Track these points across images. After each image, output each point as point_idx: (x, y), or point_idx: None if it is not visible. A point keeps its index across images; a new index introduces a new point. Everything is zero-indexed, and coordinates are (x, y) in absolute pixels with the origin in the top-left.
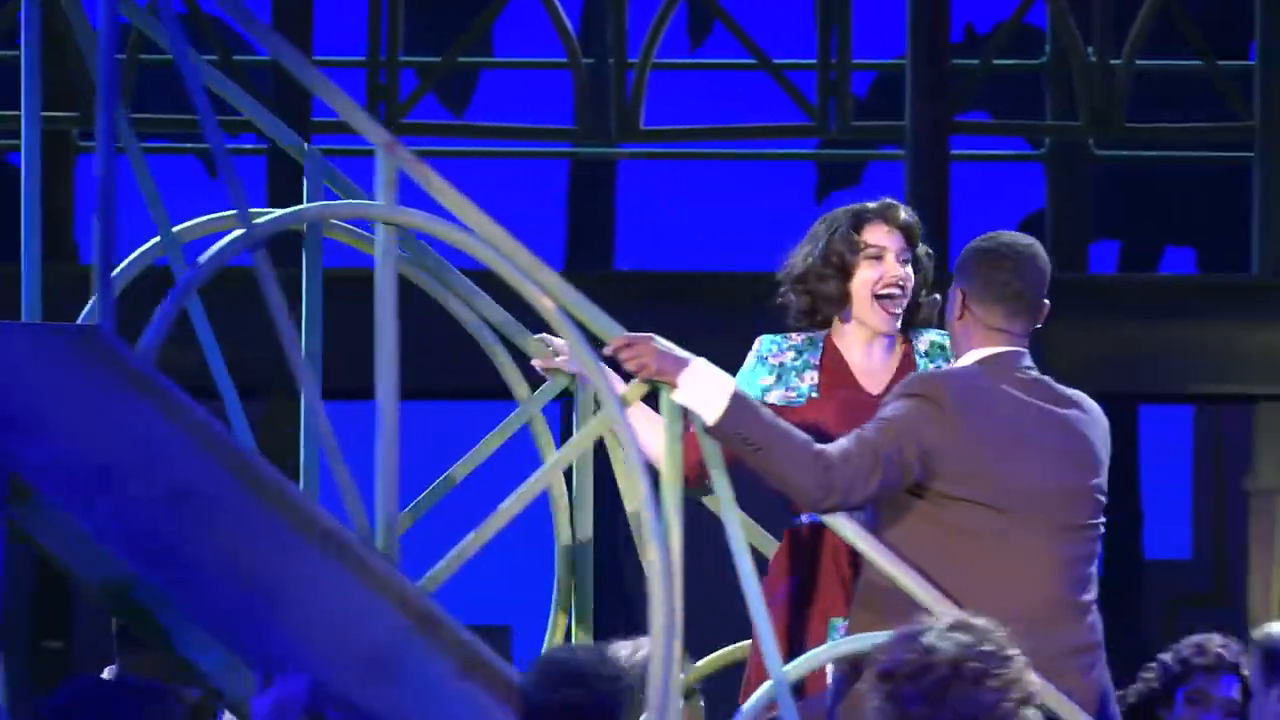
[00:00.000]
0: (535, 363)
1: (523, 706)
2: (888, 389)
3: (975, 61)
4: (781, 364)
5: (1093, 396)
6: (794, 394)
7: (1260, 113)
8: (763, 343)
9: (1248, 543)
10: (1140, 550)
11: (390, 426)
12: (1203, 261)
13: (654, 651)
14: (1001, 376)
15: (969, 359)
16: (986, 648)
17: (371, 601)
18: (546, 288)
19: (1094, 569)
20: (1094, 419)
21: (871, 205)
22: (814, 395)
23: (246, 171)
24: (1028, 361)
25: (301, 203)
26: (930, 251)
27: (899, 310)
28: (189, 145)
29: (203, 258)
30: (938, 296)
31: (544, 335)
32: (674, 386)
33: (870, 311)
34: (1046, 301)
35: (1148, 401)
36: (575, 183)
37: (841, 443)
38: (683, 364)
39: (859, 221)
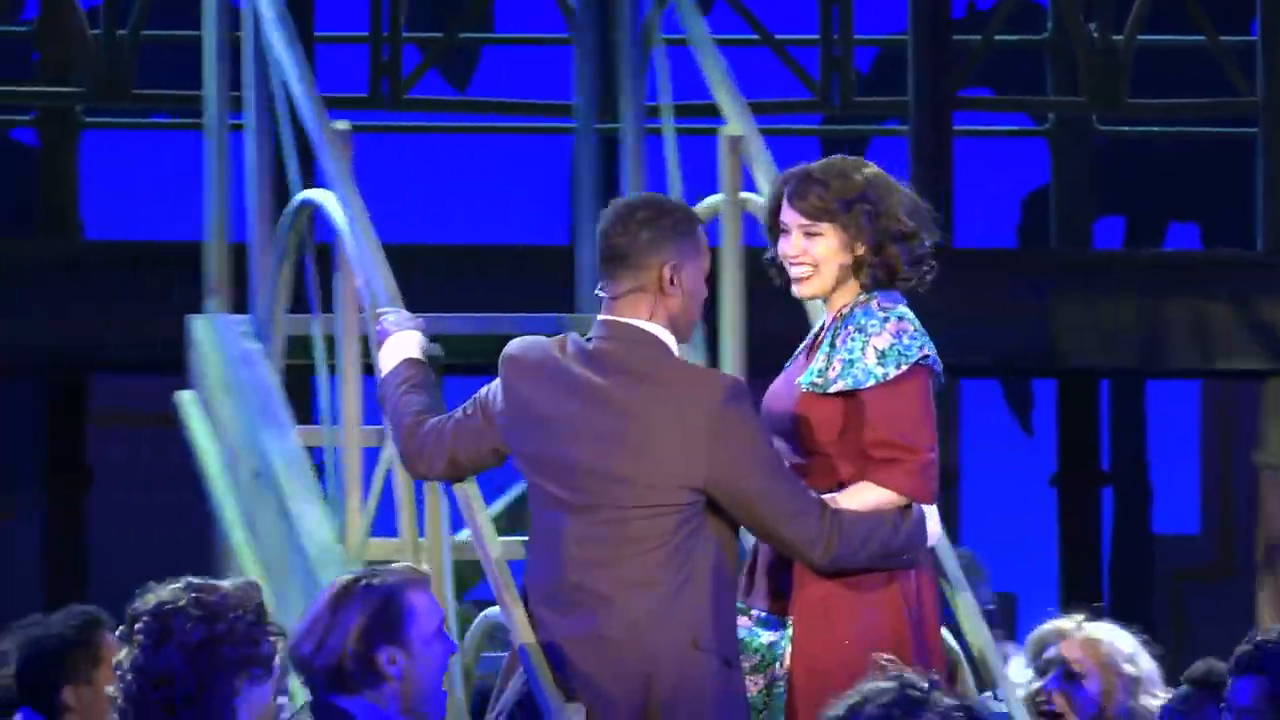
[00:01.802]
0: None
1: None
2: (798, 357)
3: (978, 37)
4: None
5: (1100, 372)
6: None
7: (1263, 88)
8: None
9: (1255, 517)
10: (1149, 524)
11: None
12: (1207, 236)
13: None
14: (570, 346)
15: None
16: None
17: None
18: None
19: (620, 555)
20: (670, 400)
21: (782, 180)
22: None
23: None
24: (600, 330)
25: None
26: (872, 209)
27: (803, 280)
28: (192, 120)
29: None
30: (918, 251)
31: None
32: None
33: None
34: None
35: (1155, 377)
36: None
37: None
38: (388, 332)
39: (777, 197)
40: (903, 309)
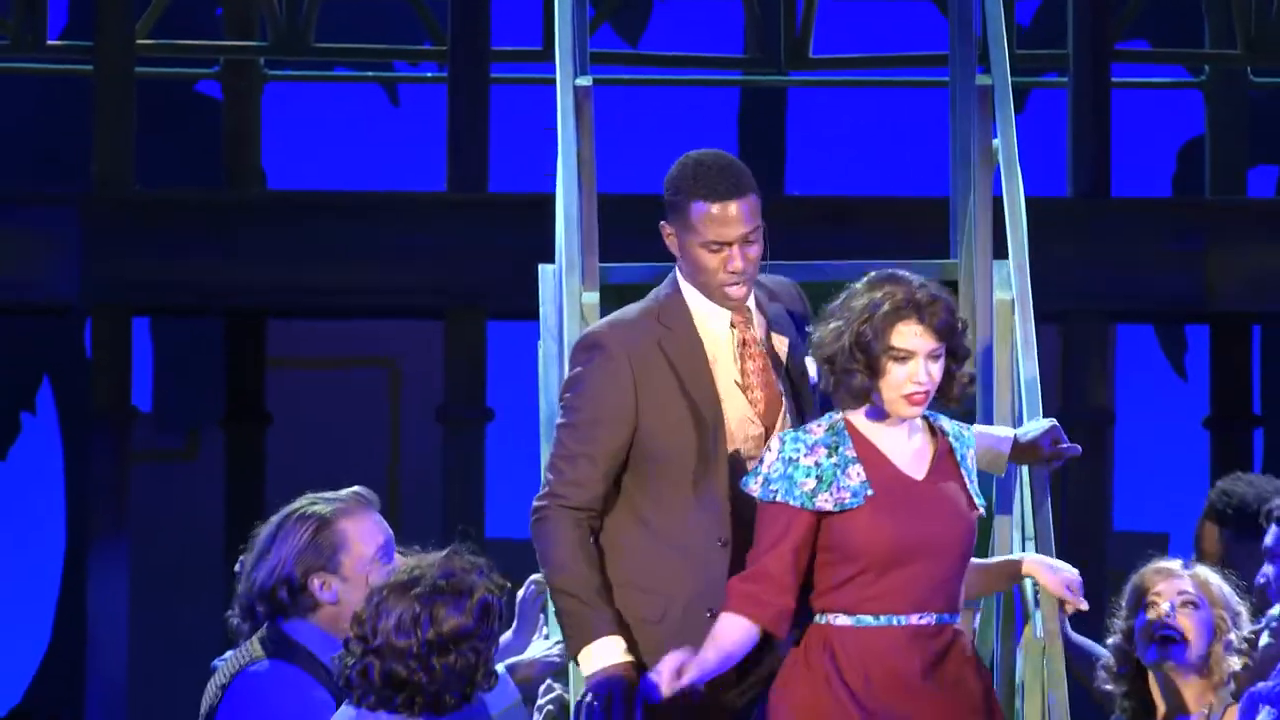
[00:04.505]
0: None
1: None
2: (932, 475)
3: None
4: (818, 463)
5: (1253, 317)
6: (847, 495)
7: None
8: (785, 444)
9: None
10: None
11: None
12: None
13: None
14: None
15: None
16: None
17: None
18: None
19: None
20: None
21: (904, 301)
22: (869, 494)
23: (428, 100)
24: None
25: (485, 131)
26: (965, 325)
27: (924, 403)
28: (371, 73)
29: None
30: (971, 370)
31: None
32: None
33: (895, 405)
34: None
35: None
36: (746, 110)
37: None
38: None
39: (891, 319)
40: None
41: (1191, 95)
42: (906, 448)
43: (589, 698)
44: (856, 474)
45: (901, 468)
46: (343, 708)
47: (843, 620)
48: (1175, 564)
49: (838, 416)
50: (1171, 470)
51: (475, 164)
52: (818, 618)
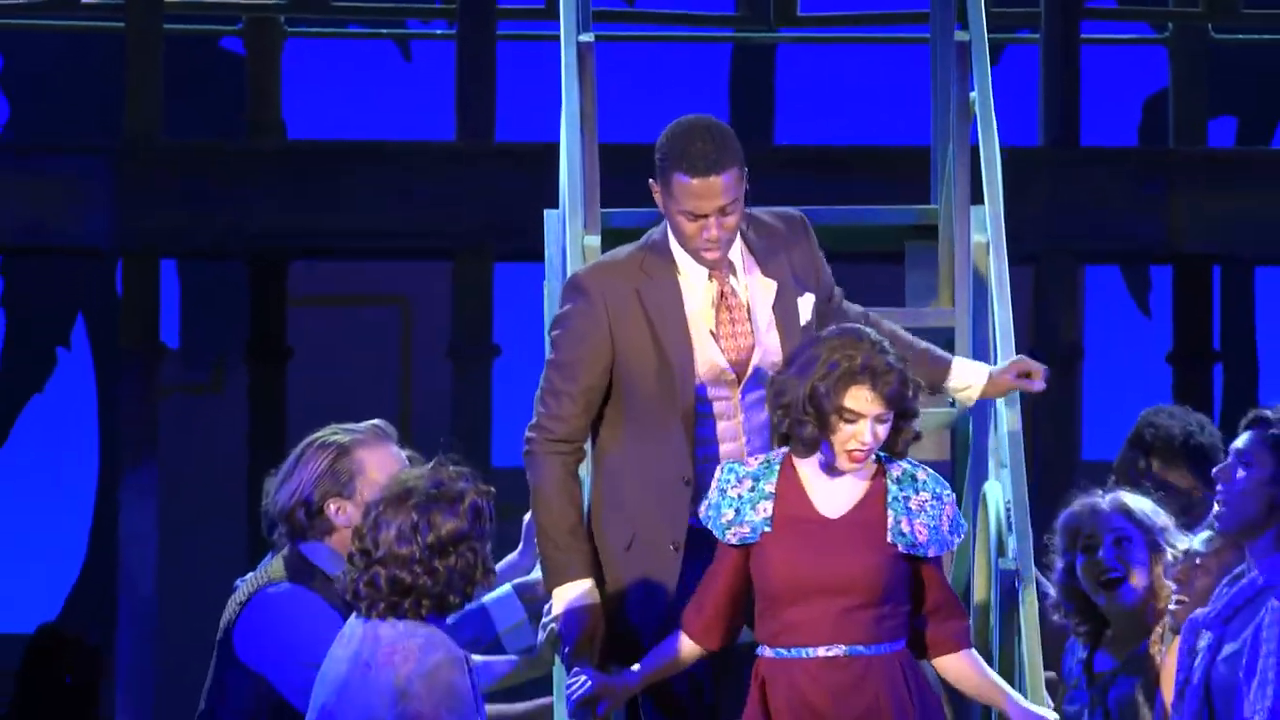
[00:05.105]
0: None
1: None
2: (849, 514)
3: None
4: (739, 496)
5: (1213, 259)
6: (748, 529)
7: None
8: (723, 473)
9: None
10: (1256, 398)
11: None
12: None
13: None
14: None
15: None
16: None
17: None
18: None
19: None
20: None
21: (860, 367)
22: (766, 530)
23: (438, 55)
24: None
25: (492, 84)
26: (917, 389)
27: (864, 460)
28: (385, 30)
29: None
30: (918, 427)
31: None
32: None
33: (839, 459)
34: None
35: (1263, 264)
36: (738, 65)
37: None
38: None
39: (845, 381)
40: None
41: (1156, 51)
42: (832, 486)
43: (556, 626)
44: (763, 509)
45: (816, 505)
46: (350, 620)
47: (766, 651)
48: (1103, 501)
49: (784, 450)
50: (1137, 403)
51: (482, 115)
52: (757, 648)
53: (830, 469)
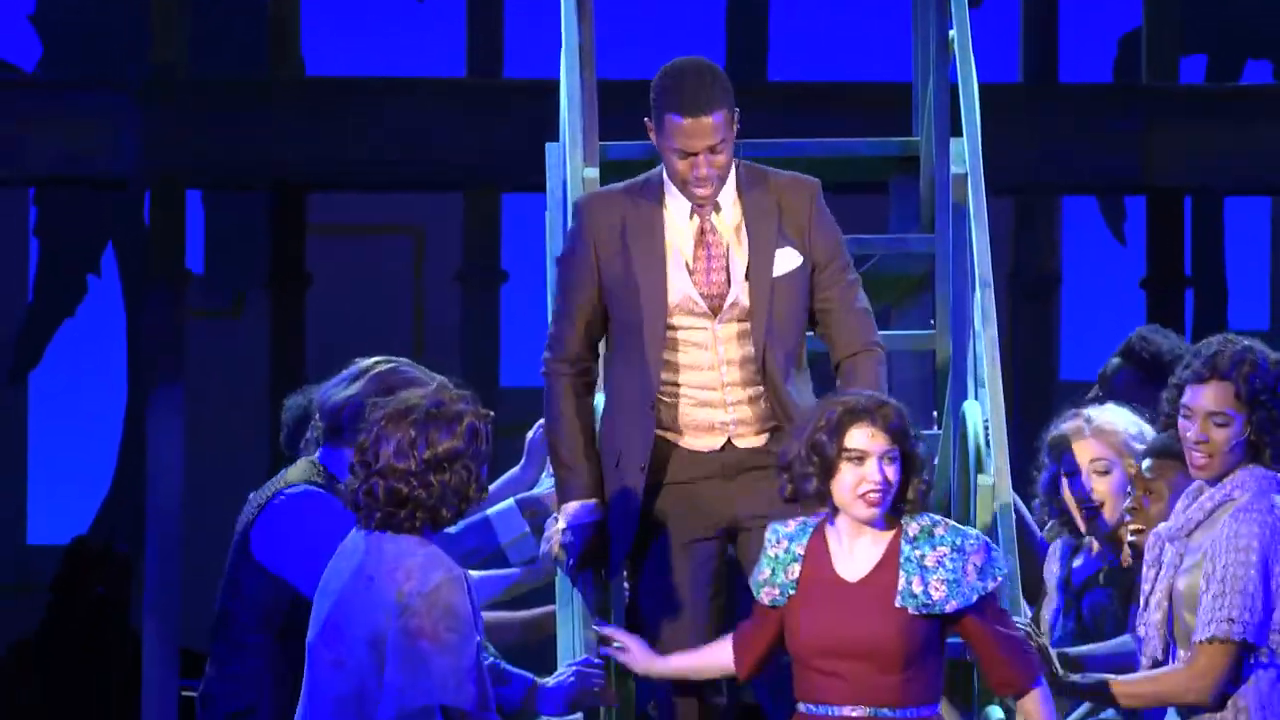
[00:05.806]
0: None
1: None
2: (868, 577)
3: None
4: (776, 556)
5: (1185, 190)
6: (777, 591)
7: None
8: (769, 532)
9: None
10: (1225, 322)
11: None
12: (1279, 71)
13: None
14: None
15: None
16: None
17: None
18: None
19: None
20: None
21: (860, 405)
22: (793, 593)
23: (447, 9)
24: None
25: (500, 22)
26: (921, 437)
27: (881, 506)
28: None
29: None
30: (929, 481)
31: None
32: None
33: (854, 507)
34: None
35: (1232, 194)
36: (733, 2)
37: None
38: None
39: (845, 422)
40: None
41: None
42: (854, 548)
43: (566, 536)
44: (792, 571)
45: (838, 568)
46: (351, 533)
47: (800, 707)
48: (1087, 427)
49: (825, 513)
50: (1112, 326)
51: (491, 52)
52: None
53: (855, 531)
